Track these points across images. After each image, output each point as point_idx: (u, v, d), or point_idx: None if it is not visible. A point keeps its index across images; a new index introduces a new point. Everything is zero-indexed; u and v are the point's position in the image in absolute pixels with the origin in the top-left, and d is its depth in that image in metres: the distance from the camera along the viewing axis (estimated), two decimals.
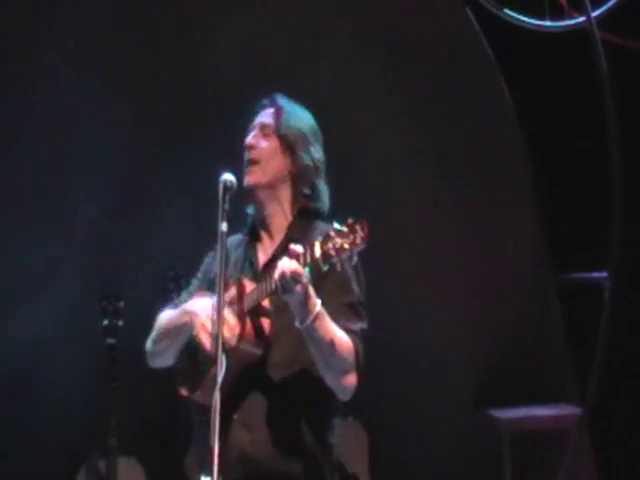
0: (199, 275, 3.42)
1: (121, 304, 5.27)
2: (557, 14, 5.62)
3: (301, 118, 3.33)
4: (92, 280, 5.48)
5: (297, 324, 3.02)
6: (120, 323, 5.25)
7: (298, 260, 2.93)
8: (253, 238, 3.33)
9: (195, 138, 5.42)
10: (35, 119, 5.50)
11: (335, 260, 2.88)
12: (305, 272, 2.93)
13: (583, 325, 5.58)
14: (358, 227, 2.87)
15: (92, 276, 5.50)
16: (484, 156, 5.82)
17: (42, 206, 5.54)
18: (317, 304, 3.01)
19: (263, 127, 3.31)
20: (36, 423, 5.47)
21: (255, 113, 3.37)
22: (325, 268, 2.90)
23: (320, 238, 2.90)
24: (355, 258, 2.90)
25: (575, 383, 5.77)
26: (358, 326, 3.16)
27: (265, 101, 3.38)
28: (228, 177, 3.14)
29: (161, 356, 3.33)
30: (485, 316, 5.79)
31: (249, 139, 3.30)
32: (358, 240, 2.87)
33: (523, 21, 5.64)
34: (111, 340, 5.23)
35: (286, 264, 2.93)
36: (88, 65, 5.52)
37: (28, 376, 5.48)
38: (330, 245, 2.87)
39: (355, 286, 3.19)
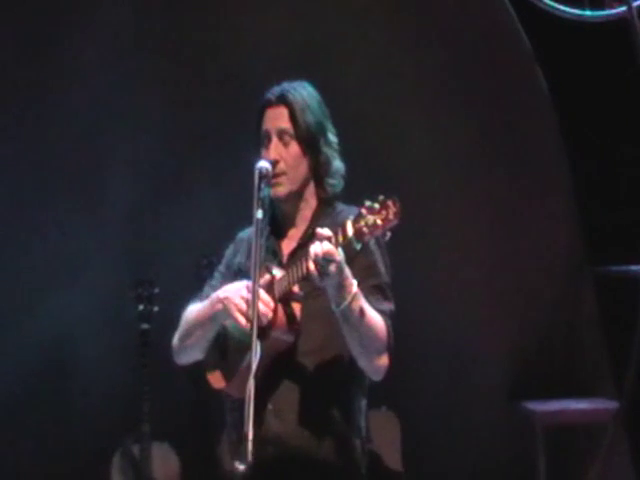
0: (221, 268, 3.34)
1: (156, 290, 5.31)
2: (597, 4, 5.57)
3: (312, 107, 3.19)
4: (127, 267, 5.50)
5: (333, 307, 2.97)
6: (155, 309, 5.29)
7: (330, 241, 2.88)
8: (275, 228, 3.24)
9: (229, 125, 5.41)
10: (70, 106, 5.52)
11: (368, 238, 2.83)
12: (339, 251, 2.87)
13: (620, 318, 5.54)
14: (390, 203, 2.81)
15: (127, 263, 5.53)
16: (520, 148, 5.78)
17: (77, 193, 5.57)
18: (354, 284, 2.96)
19: (281, 134, 3.18)
20: (70, 408, 5.50)
21: (262, 107, 3.22)
22: (358, 247, 2.84)
23: (351, 217, 2.85)
24: (388, 234, 2.84)
25: (611, 377, 5.72)
26: (387, 307, 3.12)
27: (270, 95, 3.22)
28: (264, 164, 3.11)
29: (190, 351, 3.27)
30: (520, 308, 5.76)
31: (272, 153, 3.17)
32: (391, 216, 2.80)
33: (563, 11, 5.60)
34: (145, 326, 5.26)
35: (317, 246, 2.88)
36: (123, 52, 5.54)
37: (62, 362, 5.52)
38: (362, 223, 2.82)
39: (382, 268, 3.14)
